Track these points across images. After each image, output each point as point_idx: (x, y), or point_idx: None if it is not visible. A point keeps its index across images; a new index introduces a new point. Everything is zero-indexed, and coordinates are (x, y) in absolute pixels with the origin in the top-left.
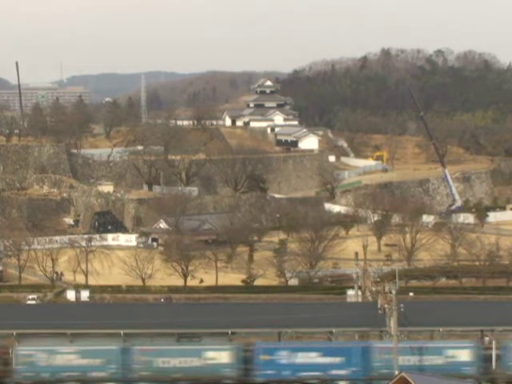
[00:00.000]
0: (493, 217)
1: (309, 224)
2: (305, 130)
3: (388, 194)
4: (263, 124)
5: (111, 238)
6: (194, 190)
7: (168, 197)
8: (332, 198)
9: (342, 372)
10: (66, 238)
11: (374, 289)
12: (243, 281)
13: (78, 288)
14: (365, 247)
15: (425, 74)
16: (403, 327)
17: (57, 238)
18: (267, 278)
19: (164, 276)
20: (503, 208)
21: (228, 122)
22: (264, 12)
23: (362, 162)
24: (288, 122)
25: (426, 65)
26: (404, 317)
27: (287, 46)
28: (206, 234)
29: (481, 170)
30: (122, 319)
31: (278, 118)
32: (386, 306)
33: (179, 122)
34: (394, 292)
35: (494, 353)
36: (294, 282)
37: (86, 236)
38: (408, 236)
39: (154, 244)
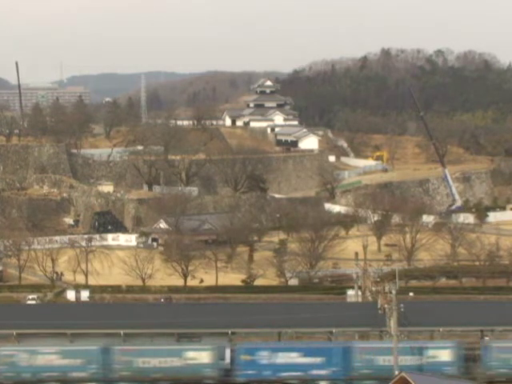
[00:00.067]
0: (493, 217)
1: (309, 224)
2: (305, 129)
3: (388, 194)
4: (263, 124)
5: (111, 238)
6: (194, 190)
7: (168, 197)
8: (332, 198)
9: (323, 372)
10: (66, 238)
11: (373, 289)
12: (243, 281)
13: (78, 288)
14: (365, 247)
15: (425, 73)
16: (403, 327)
17: (57, 237)
18: (267, 277)
19: (164, 276)
20: (503, 208)
21: (228, 122)
22: (264, 12)
23: (361, 162)
24: (288, 122)
25: (426, 65)
26: (404, 317)
27: (287, 46)
28: (206, 234)
29: (481, 170)
30: (121, 319)
31: (278, 118)
32: (386, 305)
33: (179, 122)
34: (394, 292)
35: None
36: (294, 282)
37: (86, 236)
38: (408, 236)
39: (154, 244)
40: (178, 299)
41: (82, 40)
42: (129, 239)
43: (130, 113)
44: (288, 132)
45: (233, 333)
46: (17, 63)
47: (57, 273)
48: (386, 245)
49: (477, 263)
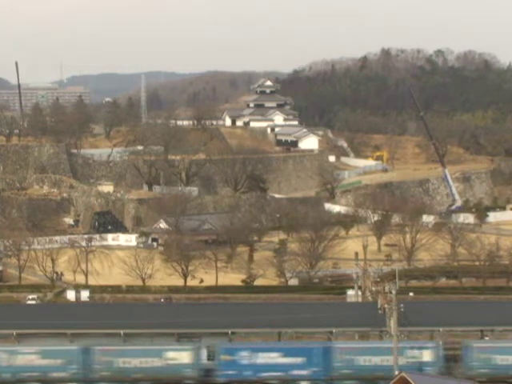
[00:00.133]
0: (493, 217)
1: (309, 224)
2: (305, 129)
3: (388, 194)
4: (263, 124)
5: (111, 238)
6: (194, 190)
7: (168, 197)
8: (332, 198)
9: (303, 372)
10: (66, 238)
11: (373, 289)
12: (243, 281)
13: (78, 288)
14: (365, 247)
15: (425, 73)
16: (403, 327)
17: (57, 238)
18: (267, 277)
19: (164, 276)
20: (503, 208)
21: (228, 122)
22: (264, 12)
23: (362, 162)
24: (288, 122)
25: (426, 65)
26: (404, 317)
27: (287, 46)
28: (206, 233)
29: (481, 170)
30: (122, 319)
31: (278, 118)
32: (386, 305)
33: (179, 122)
34: (394, 292)
35: None
36: (294, 282)
37: (86, 236)
38: (408, 236)
39: (154, 244)
40: (178, 299)
41: (81, 40)
42: (129, 239)
43: (130, 113)
44: (288, 132)
45: (233, 333)
46: (17, 63)
47: (57, 273)
48: (386, 245)
49: (477, 263)
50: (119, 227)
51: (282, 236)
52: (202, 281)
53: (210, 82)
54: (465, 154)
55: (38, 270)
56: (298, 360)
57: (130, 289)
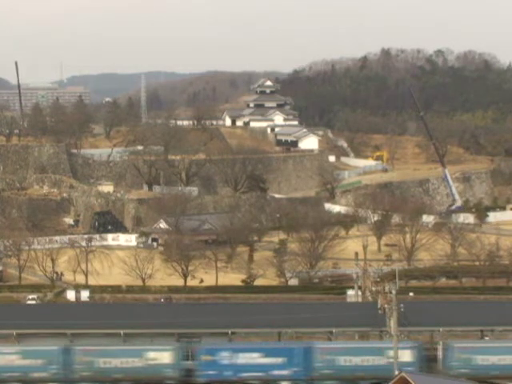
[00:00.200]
0: (493, 217)
1: (309, 224)
2: (305, 129)
3: (388, 194)
4: (263, 124)
5: (111, 238)
6: (194, 190)
7: (168, 197)
8: (332, 198)
9: (284, 372)
10: (66, 238)
11: (374, 289)
12: (243, 281)
13: (78, 288)
14: (365, 247)
15: (425, 74)
16: (403, 327)
17: (57, 238)
18: (267, 277)
19: (164, 276)
20: (503, 208)
21: (228, 122)
22: (264, 12)
23: (362, 162)
24: (288, 122)
25: (426, 65)
26: (404, 317)
27: (287, 46)
28: (206, 233)
29: (481, 170)
30: (122, 319)
31: (278, 118)
32: (386, 305)
33: (179, 122)
34: (394, 292)
35: None
36: (294, 282)
37: (86, 236)
38: (408, 236)
39: (154, 244)
40: (178, 299)
41: (81, 40)
42: (129, 239)
43: (130, 113)
44: (288, 132)
45: (233, 333)
46: (16, 63)
47: (57, 273)
48: (386, 245)
49: (477, 263)
50: (119, 227)
51: (282, 236)
52: (201, 281)
53: (210, 81)
54: (465, 153)
55: (38, 269)
56: (279, 360)
57: (129, 289)
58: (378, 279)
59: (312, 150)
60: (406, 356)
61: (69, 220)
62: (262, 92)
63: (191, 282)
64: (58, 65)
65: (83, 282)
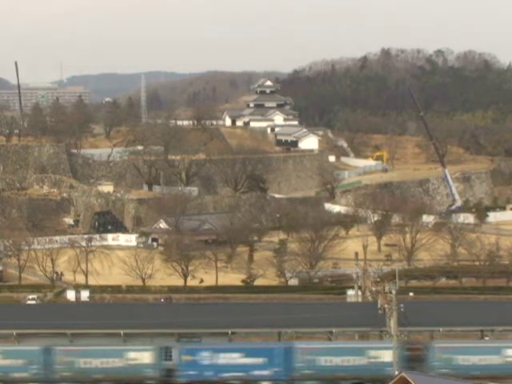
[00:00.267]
0: (493, 217)
1: (309, 224)
2: (305, 130)
3: (388, 194)
4: (263, 124)
5: (111, 238)
6: (194, 190)
7: (168, 197)
8: (332, 198)
9: (265, 372)
10: (66, 238)
11: (374, 289)
12: (243, 281)
13: (78, 288)
14: (365, 247)
15: (425, 74)
16: (403, 327)
17: (57, 238)
18: (267, 277)
19: (164, 276)
20: (503, 208)
21: (228, 122)
22: (264, 12)
23: (362, 162)
24: (288, 122)
25: (426, 65)
26: (404, 317)
27: (287, 46)
28: (206, 233)
29: (481, 170)
30: (122, 319)
31: (278, 118)
32: (386, 305)
33: (179, 122)
34: (394, 292)
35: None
36: (294, 282)
37: (86, 236)
38: (408, 236)
39: (154, 244)
40: (178, 299)
41: (82, 40)
42: (129, 239)
43: (130, 113)
44: (288, 132)
45: (233, 333)
46: (16, 63)
47: (57, 273)
48: (386, 245)
49: (477, 263)
50: (119, 227)
51: (282, 236)
52: (201, 281)
53: (210, 81)
54: (465, 153)
55: (38, 269)
56: (259, 360)
57: (130, 289)
58: (378, 279)
59: (312, 150)
60: (387, 356)
61: (69, 220)
62: (262, 92)
63: (191, 282)
64: (58, 65)
65: (83, 281)
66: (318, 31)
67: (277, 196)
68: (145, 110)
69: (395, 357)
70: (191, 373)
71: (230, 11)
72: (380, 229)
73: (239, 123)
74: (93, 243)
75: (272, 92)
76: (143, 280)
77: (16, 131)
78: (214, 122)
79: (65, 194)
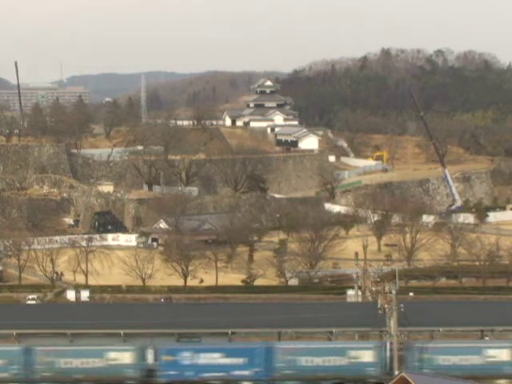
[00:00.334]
0: (493, 217)
1: (309, 224)
2: (305, 129)
3: (388, 194)
4: (263, 124)
5: (111, 238)
6: (194, 190)
7: (168, 197)
8: (332, 198)
9: (245, 372)
10: (66, 238)
11: (374, 289)
12: (243, 281)
13: (78, 288)
14: (365, 247)
15: (425, 73)
16: (403, 327)
17: (57, 238)
18: (267, 277)
19: (164, 276)
20: (503, 208)
21: (228, 122)
22: (264, 12)
23: (362, 162)
24: (288, 122)
25: (426, 65)
26: (404, 317)
27: (287, 46)
28: (206, 233)
29: (481, 170)
30: (122, 319)
31: (278, 118)
32: (386, 305)
33: (179, 122)
34: (394, 292)
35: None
36: (294, 282)
37: (86, 236)
38: (408, 236)
39: (154, 244)
40: (178, 299)
41: (82, 40)
42: (129, 239)
43: (130, 113)
44: (288, 132)
45: (233, 333)
46: (16, 63)
47: (57, 273)
48: (386, 245)
49: (477, 263)
50: (119, 227)
51: (282, 236)
52: (201, 281)
53: (210, 81)
54: (465, 153)
55: (38, 269)
56: (240, 360)
57: (130, 289)
58: (378, 279)
59: (312, 150)
60: (367, 356)
61: (69, 220)
62: (262, 92)
63: (191, 282)
64: (58, 65)
65: (83, 281)
66: (318, 31)
67: (277, 196)
68: (145, 110)
69: (395, 356)
70: (172, 373)
71: (230, 11)
72: (380, 229)
73: (239, 123)
74: (93, 243)
75: (272, 92)
76: (143, 280)
77: (16, 131)
78: (214, 122)
79: (65, 194)
